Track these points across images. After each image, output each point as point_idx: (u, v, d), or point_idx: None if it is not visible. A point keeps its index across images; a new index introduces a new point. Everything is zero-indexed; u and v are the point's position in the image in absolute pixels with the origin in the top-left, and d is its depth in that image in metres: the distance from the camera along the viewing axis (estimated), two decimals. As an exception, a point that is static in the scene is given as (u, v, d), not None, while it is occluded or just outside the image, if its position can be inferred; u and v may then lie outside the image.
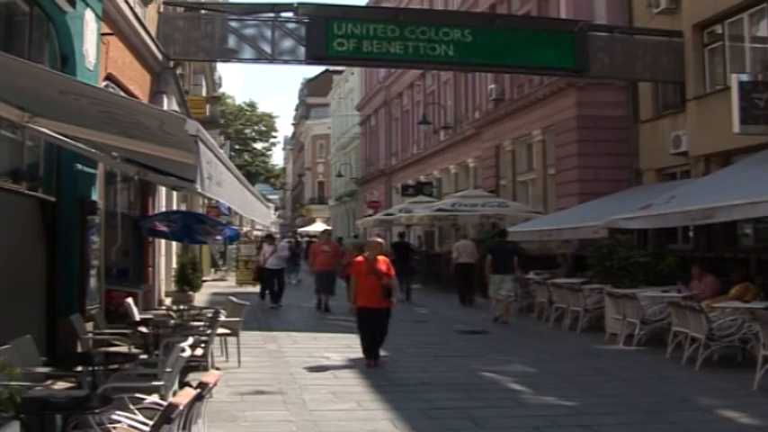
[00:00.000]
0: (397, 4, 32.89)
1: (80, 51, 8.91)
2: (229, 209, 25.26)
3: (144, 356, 7.67)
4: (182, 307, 11.82)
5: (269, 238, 20.87)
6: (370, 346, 10.07)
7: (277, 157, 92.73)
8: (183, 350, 5.96)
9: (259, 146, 68.82)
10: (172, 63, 15.09)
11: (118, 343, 8.38)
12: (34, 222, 8.58)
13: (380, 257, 10.17)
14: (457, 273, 18.77)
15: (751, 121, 12.78)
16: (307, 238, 43.28)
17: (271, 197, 75.35)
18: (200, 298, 18.47)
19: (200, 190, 4.70)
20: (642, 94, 17.96)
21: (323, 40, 14.56)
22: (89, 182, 9.36)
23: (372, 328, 10.00)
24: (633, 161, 18.04)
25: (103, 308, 10.02)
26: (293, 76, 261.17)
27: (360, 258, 10.36)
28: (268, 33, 14.70)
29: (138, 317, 9.73)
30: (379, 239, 11.11)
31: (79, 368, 6.40)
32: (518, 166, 23.27)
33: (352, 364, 10.24)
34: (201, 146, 4.58)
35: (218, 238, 17.12)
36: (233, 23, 14.76)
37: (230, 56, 15.40)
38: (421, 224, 25.42)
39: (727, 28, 14.97)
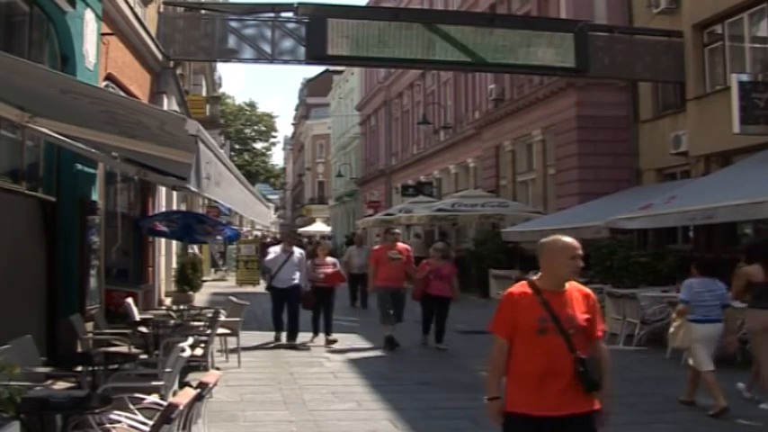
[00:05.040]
0: (397, 4, 32.88)
1: (80, 51, 8.91)
2: (230, 209, 25.24)
3: (144, 356, 7.68)
4: (182, 307, 11.82)
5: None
6: None
7: (277, 157, 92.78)
8: (183, 350, 5.96)
9: (259, 146, 68.86)
10: (172, 63, 15.09)
11: (118, 343, 8.38)
12: (34, 222, 8.58)
13: (574, 288, 4.15)
14: None
15: (751, 121, 12.79)
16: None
17: (271, 197, 75.28)
18: (200, 298, 18.47)
19: (194, 189, 4.70)
20: (642, 94, 17.96)
21: (323, 40, 14.56)
22: (89, 182, 9.35)
23: None
24: (633, 161, 18.04)
25: (103, 308, 10.02)
26: (293, 76, 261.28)
27: (520, 289, 4.08)
28: (268, 33, 14.69)
29: (138, 317, 9.73)
30: (569, 239, 4.13)
31: (79, 368, 6.40)
32: (518, 166, 23.26)
33: (352, 364, 10.24)
34: (201, 145, 4.59)
35: (219, 238, 17.09)
36: (233, 23, 14.76)
37: (230, 56, 15.40)
38: (421, 224, 25.39)
39: (727, 28, 14.97)
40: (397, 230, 13.02)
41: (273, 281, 12.00)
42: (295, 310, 11.95)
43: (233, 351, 10.17)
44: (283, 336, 11.98)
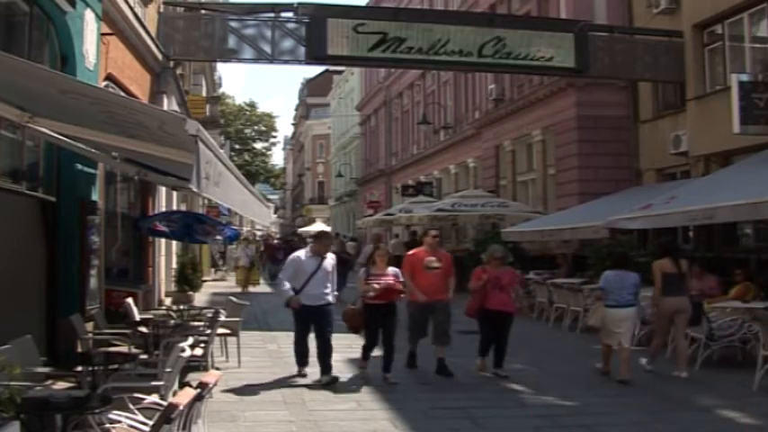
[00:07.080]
0: (397, 4, 32.87)
1: (80, 51, 8.91)
2: (229, 209, 25.22)
3: (144, 356, 7.67)
4: (182, 307, 11.82)
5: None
6: None
7: (277, 157, 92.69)
8: (183, 350, 5.96)
9: (259, 146, 68.77)
10: (172, 63, 15.09)
11: (118, 343, 8.38)
12: (34, 222, 8.58)
13: None
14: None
15: (751, 122, 12.81)
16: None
17: (271, 197, 75.24)
18: (200, 298, 18.46)
19: (195, 189, 4.70)
20: (642, 94, 17.97)
21: (323, 40, 14.57)
22: (89, 182, 9.35)
23: None
24: (633, 161, 18.05)
25: (103, 308, 10.02)
26: (293, 76, 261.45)
27: None
28: (268, 33, 14.70)
29: (138, 317, 9.73)
30: None
31: (79, 368, 6.39)
32: (518, 166, 23.27)
33: (352, 365, 10.22)
34: (201, 146, 4.59)
35: (218, 237, 17.09)
36: (233, 23, 14.77)
37: (230, 56, 15.41)
38: (421, 224, 25.41)
39: (727, 28, 14.97)
40: (434, 231, 10.19)
41: (300, 296, 8.99)
42: (327, 336, 9.09)
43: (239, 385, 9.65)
44: (307, 369, 9.29)
